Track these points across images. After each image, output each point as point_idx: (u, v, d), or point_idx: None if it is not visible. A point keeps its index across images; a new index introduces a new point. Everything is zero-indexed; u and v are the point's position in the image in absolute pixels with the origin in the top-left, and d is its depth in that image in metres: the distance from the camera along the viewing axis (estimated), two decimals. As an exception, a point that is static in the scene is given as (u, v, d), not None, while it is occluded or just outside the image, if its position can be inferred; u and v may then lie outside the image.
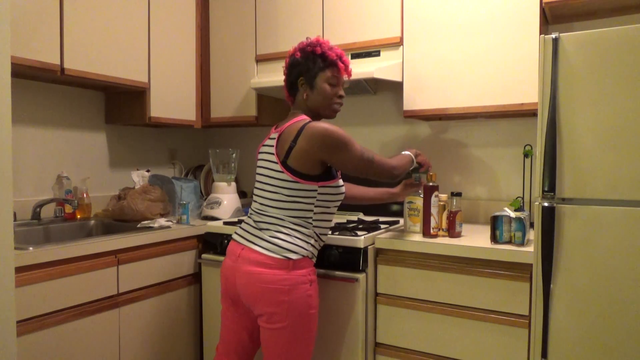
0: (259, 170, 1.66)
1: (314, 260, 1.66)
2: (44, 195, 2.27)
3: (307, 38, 1.70)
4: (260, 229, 1.60)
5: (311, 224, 1.61)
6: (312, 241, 1.62)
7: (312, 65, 1.64)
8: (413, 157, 1.85)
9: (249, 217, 1.68)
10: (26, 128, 2.19)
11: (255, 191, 1.68)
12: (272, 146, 1.61)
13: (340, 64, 1.66)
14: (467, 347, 1.75)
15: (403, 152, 1.85)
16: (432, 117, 2.29)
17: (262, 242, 1.56)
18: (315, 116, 1.70)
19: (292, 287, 1.52)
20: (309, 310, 1.55)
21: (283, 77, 1.73)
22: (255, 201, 1.67)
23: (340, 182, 1.68)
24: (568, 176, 1.50)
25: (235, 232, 1.68)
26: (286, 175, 1.56)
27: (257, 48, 2.56)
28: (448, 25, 2.06)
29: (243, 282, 1.55)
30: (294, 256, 1.54)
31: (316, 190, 1.59)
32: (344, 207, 2.58)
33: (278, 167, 1.57)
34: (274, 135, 1.64)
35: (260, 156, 1.69)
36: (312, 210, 1.60)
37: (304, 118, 1.63)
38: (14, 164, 2.12)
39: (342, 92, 1.70)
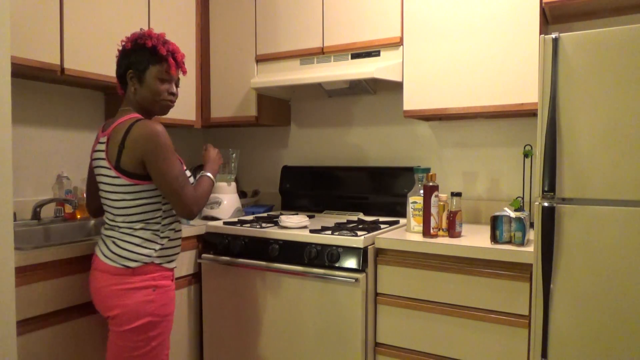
0: (99, 179, 1.59)
1: (168, 264, 1.61)
2: (44, 195, 2.27)
3: (140, 29, 1.62)
4: (108, 237, 1.57)
5: (160, 223, 1.57)
6: (157, 246, 1.57)
7: (141, 59, 1.57)
8: (212, 178, 1.69)
9: (103, 227, 1.64)
10: (26, 128, 2.19)
11: (103, 201, 1.60)
12: (103, 151, 1.55)
13: (171, 61, 1.59)
14: (467, 347, 1.75)
15: (205, 175, 1.67)
16: (432, 117, 2.29)
17: (107, 251, 1.55)
18: (146, 112, 1.63)
19: (128, 293, 1.50)
20: (146, 317, 1.52)
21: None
22: (107, 211, 1.61)
23: (187, 173, 1.61)
24: (568, 176, 1.50)
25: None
26: (123, 180, 1.50)
27: (257, 48, 2.56)
28: (448, 25, 2.06)
29: (92, 288, 1.58)
30: (132, 264, 1.52)
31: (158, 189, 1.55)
32: (344, 207, 2.58)
33: (113, 172, 1.51)
34: (103, 139, 1.57)
35: (95, 163, 1.60)
36: (160, 209, 1.57)
37: (132, 117, 1.56)
38: (14, 164, 2.12)
39: (173, 89, 1.64)
